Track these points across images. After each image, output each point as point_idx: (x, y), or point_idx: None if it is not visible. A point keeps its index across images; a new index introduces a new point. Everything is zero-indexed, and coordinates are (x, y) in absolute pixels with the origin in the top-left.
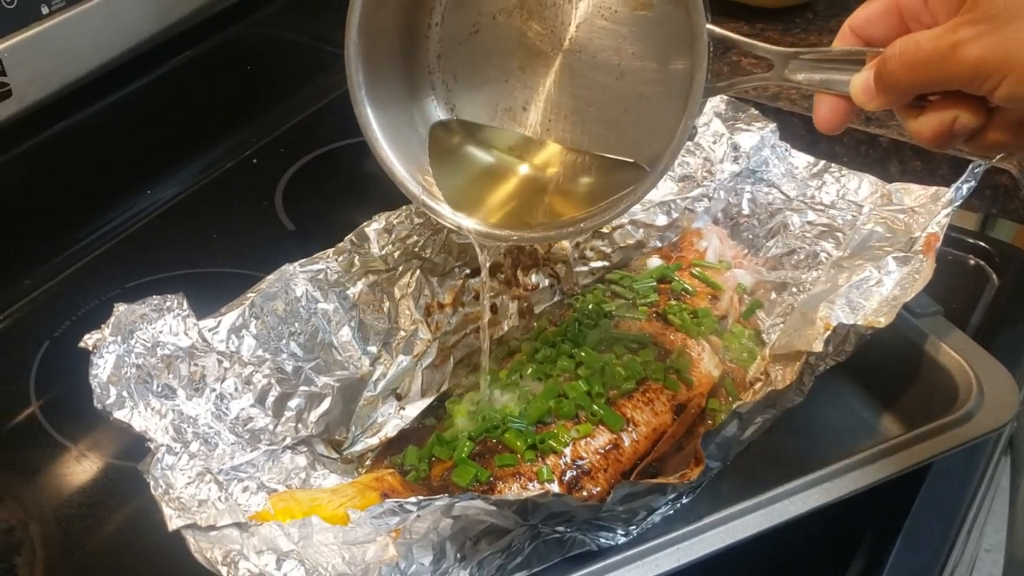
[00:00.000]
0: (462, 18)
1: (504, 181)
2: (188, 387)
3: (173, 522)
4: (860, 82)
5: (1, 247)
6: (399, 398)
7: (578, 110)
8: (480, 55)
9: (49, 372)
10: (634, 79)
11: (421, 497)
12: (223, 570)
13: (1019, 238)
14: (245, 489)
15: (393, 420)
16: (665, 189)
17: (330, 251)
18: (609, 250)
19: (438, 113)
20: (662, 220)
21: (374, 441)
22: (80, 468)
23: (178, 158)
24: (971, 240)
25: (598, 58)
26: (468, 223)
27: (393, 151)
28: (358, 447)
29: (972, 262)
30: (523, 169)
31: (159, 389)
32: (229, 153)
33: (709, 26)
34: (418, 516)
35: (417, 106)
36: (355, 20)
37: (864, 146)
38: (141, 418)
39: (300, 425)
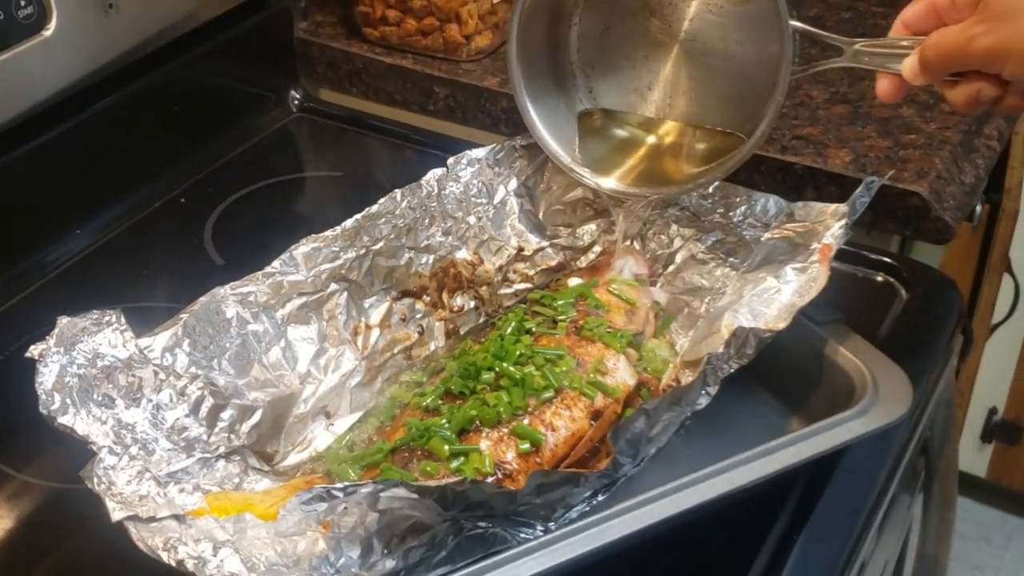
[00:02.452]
0: (595, 20)
1: (634, 150)
2: (126, 397)
3: (115, 514)
4: (909, 65)
5: None
6: (328, 415)
7: (693, 88)
8: (611, 48)
9: None
10: (738, 61)
11: (347, 483)
12: (163, 555)
13: (947, 264)
14: (182, 490)
15: (323, 436)
16: (584, 214)
17: (259, 274)
18: (531, 272)
19: (580, 97)
20: (581, 243)
21: (304, 456)
22: (26, 495)
23: (107, 198)
24: (881, 258)
25: (708, 45)
26: (606, 183)
27: (548, 132)
28: (289, 461)
29: (881, 279)
30: (649, 140)
31: (99, 398)
32: (157, 192)
33: (793, 22)
34: (345, 509)
35: (563, 95)
36: (514, 34)
37: (781, 174)
38: (83, 423)
39: (232, 436)
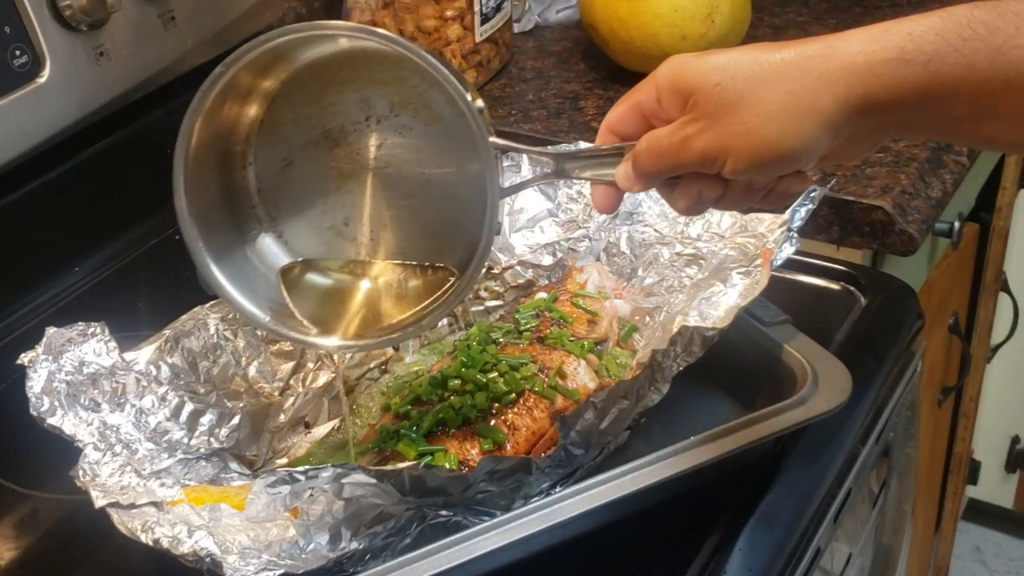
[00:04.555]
0: (273, 154)
1: (350, 298)
2: (111, 401)
3: (99, 501)
4: (622, 172)
5: None
6: (307, 426)
7: (396, 218)
8: (296, 183)
9: None
10: (439, 184)
11: (308, 467)
12: (142, 536)
13: (938, 285)
14: (162, 484)
15: (302, 443)
16: (551, 233)
17: None
18: (502, 290)
19: (269, 245)
20: (548, 260)
21: (283, 461)
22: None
23: (103, 237)
24: (839, 267)
25: (403, 170)
26: (324, 341)
27: (243, 296)
28: (270, 466)
29: (839, 287)
30: (363, 283)
31: (86, 402)
32: (152, 231)
33: (492, 139)
34: (311, 496)
35: (249, 243)
36: (180, 189)
37: None
38: (71, 424)
39: (212, 439)
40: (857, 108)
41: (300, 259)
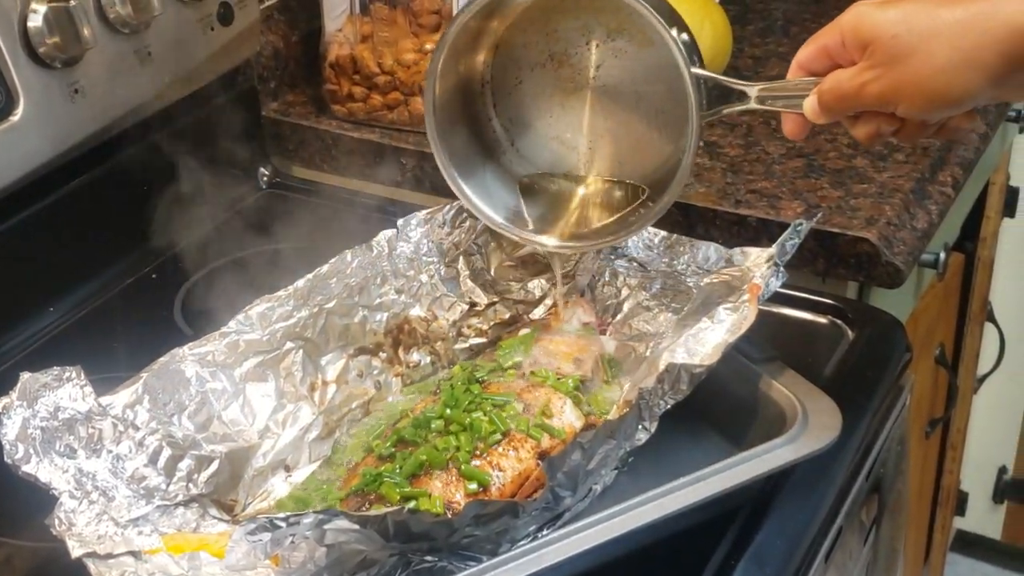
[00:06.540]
0: (507, 75)
1: (566, 202)
2: (87, 447)
3: (75, 551)
4: (809, 105)
5: None
6: (287, 469)
7: (611, 129)
8: (526, 100)
9: None
10: (650, 100)
11: (289, 513)
12: None
13: (925, 316)
14: (140, 532)
15: (282, 487)
16: (534, 268)
17: (216, 334)
18: (485, 327)
19: (508, 155)
20: (532, 296)
21: (264, 506)
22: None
23: (79, 276)
24: (826, 301)
25: (619, 87)
26: (544, 239)
27: (482, 201)
28: (249, 512)
29: (826, 321)
30: (577, 190)
31: (61, 448)
32: (128, 270)
33: (695, 70)
34: (293, 543)
35: (490, 159)
36: (431, 112)
37: (735, 227)
38: (46, 471)
39: (191, 484)
40: (1018, 62)
41: (535, 172)
